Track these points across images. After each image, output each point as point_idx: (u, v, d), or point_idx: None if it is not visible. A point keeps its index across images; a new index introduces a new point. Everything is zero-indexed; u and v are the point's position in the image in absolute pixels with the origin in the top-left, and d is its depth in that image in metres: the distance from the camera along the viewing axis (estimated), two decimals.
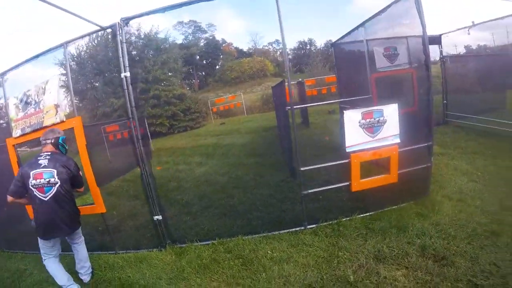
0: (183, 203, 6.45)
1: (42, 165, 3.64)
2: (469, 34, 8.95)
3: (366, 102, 5.86)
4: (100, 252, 4.85)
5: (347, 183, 4.51)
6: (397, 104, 4.32)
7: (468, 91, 9.98)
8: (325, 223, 4.54)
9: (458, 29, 9.38)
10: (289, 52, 38.39)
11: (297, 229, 4.55)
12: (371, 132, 4.30)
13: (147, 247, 4.75)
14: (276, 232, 4.54)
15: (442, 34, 9.67)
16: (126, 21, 4.31)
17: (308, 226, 4.54)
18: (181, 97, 19.92)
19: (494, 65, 10.38)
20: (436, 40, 9.64)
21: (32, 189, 3.60)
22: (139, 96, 17.66)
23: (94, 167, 4.42)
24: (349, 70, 7.73)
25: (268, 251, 4.12)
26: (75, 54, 17.74)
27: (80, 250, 4.14)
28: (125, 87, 4.29)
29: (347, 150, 4.32)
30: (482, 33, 12.69)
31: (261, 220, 5.01)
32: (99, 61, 17.67)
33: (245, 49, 41.50)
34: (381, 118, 4.29)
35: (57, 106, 4.49)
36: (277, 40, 40.98)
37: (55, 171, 3.64)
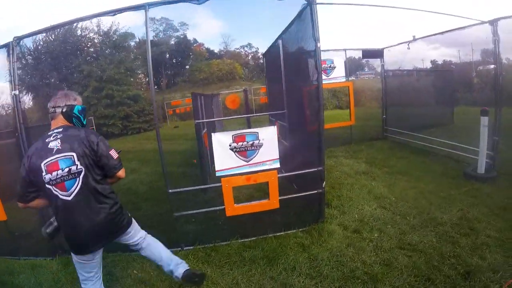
0: None
1: (54, 150, 2.53)
2: (409, 48, 8.87)
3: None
4: (9, 257, 4.66)
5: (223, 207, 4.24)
6: (275, 127, 4.10)
7: (409, 106, 9.93)
8: (201, 246, 4.28)
9: (400, 43, 9.30)
10: (260, 56, 38.40)
11: (174, 250, 4.22)
12: (244, 156, 4.05)
13: (44, 255, 4.54)
14: None
15: (385, 48, 9.59)
16: (18, 40, 4.38)
17: (185, 248, 4.31)
18: (135, 98, 19.38)
19: (441, 80, 10.45)
20: (379, 53, 9.55)
21: (49, 187, 2.51)
22: (91, 95, 17.19)
23: None
24: (275, 82, 7.52)
25: (134, 271, 3.87)
26: (32, 48, 17.18)
27: (152, 248, 3.17)
28: (14, 105, 4.38)
29: (216, 174, 4.07)
30: (448, 49, 12.91)
31: None
32: (54, 56, 17.09)
33: (216, 50, 41.28)
34: (256, 142, 4.04)
35: None
36: (249, 44, 40.76)
37: (74, 154, 2.54)
